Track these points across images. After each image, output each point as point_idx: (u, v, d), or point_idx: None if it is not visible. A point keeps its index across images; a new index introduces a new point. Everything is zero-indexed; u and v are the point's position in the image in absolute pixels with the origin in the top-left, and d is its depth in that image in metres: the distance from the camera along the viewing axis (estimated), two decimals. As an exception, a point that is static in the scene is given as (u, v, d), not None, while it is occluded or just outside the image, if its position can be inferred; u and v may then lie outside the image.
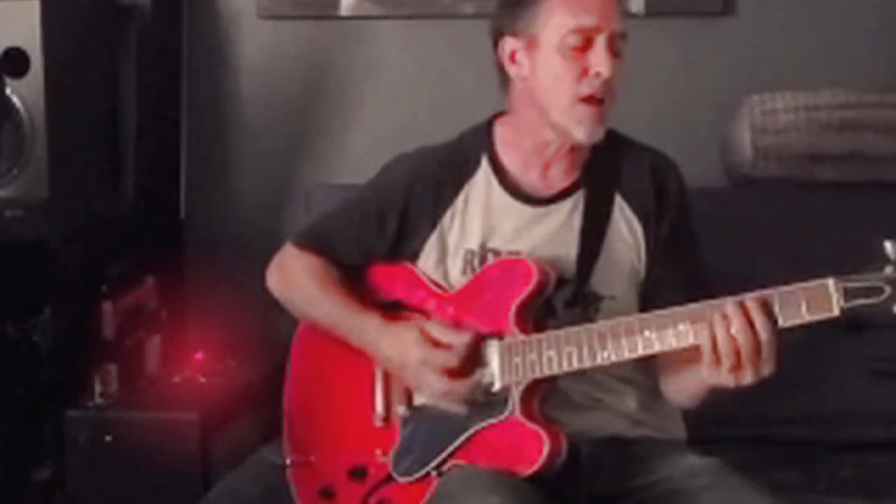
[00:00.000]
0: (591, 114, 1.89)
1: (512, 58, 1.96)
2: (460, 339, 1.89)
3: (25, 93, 2.63)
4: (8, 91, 2.60)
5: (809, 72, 2.88)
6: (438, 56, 3.04)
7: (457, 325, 1.94)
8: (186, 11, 3.12)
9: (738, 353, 1.66)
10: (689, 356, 1.79)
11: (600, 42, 1.87)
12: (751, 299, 1.67)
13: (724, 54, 2.98)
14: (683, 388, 1.89)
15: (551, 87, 1.91)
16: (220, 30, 3.14)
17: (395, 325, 1.97)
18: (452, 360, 1.88)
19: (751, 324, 1.66)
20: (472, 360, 1.88)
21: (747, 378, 1.67)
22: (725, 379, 1.69)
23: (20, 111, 2.64)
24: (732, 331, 1.66)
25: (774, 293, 1.67)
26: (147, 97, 2.99)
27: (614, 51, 1.89)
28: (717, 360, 1.68)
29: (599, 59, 1.87)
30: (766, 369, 1.68)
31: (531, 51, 1.93)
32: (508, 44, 1.96)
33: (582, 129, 1.91)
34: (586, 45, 1.88)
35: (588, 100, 1.89)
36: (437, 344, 1.90)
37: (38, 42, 2.62)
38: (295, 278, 2.12)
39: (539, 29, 1.91)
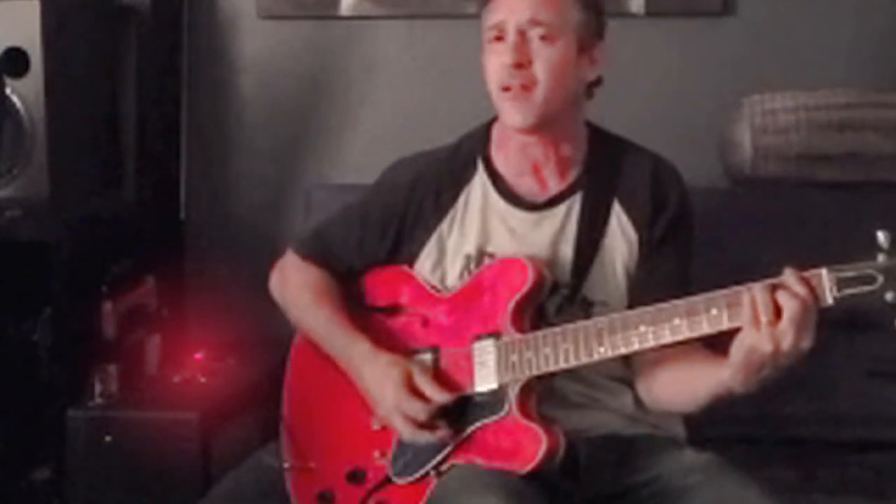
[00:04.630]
0: (507, 98, 1.94)
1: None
2: (439, 397, 1.89)
3: (25, 93, 2.64)
4: (8, 91, 2.60)
5: (809, 72, 2.88)
6: (438, 56, 3.04)
7: (455, 326, 1.95)
8: (186, 11, 3.12)
9: (778, 309, 1.64)
10: (686, 356, 1.81)
11: (509, 32, 1.93)
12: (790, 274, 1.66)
13: (724, 54, 2.98)
14: (688, 389, 1.87)
15: (488, 84, 1.97)
16: (220, 30, 3.14)
17: (381, 356, 1.97)
18: (422, 415, 1.88)
19: (794, 293, 1.64)
20: (441, 411, 1.89)
21: (787, 341, 1.63)
22: (765, 342, 1.64)
23: (20, 111, 2.64)
24: (775, 295, 1.64)
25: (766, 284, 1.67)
26: (147, 97, 3.00)
27: (526, 38, 1.92)
28: (756, 318, 1.65)
29: (505, 49, 1.93)
30: (806, 340, 1.64)
31: (483, 58, 1.99)
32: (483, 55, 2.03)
33: (506, 116, 1.96)
34: (501, 37, 1.94)
35: (506, 89, 1.94)
36: (415, 392, 1.90)
37: (38, 42, 2.63)
38: (292, 289, 2.14)
39: (482, 36, 1.99)
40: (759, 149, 2.64)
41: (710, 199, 2.46)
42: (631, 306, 1.88)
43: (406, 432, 1.90)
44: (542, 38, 1.92)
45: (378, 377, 1.95)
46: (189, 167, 3.15)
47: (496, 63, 1.94)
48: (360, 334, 2.02)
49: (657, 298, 1.78)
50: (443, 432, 1.88)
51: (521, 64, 1.91)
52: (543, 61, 1.92)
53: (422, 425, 1.89)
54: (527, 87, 1.92)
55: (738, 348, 1.68)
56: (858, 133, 2.62)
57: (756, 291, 1.66)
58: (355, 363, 2.00)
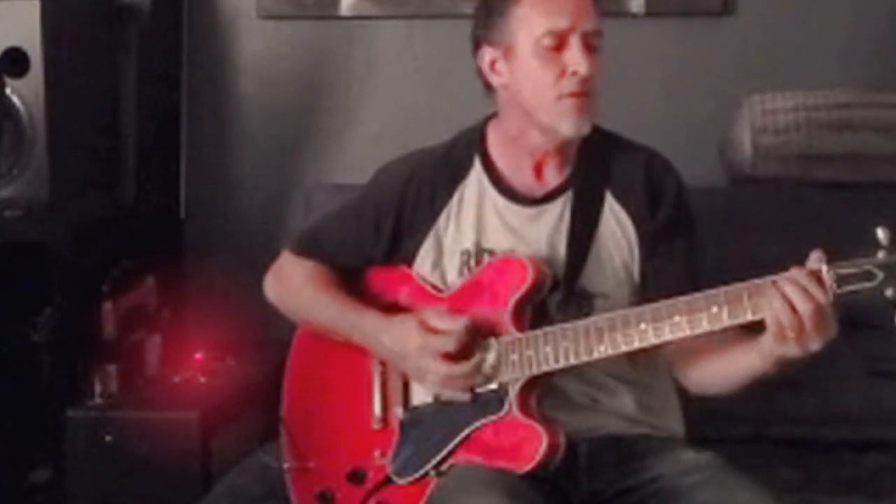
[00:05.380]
0: (574, 106, 1.91)
1: (492, 67, 1.97)
2: (456, 324, 1.89)
3: (25, 93, 2.64)
4: (8, 91, 2.61)
5: (809, 72, 2.88)
6: (438, 56, 3.04)
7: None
8: (186, 11, 3.12)
9: (800, 322, 1.64)
10: (721, 344, 1.81)
11: (574, 42, 1.89)
12: (798, 271, 1.66)
13: (724, 54, 2.98)
14: (721, 375, 1.86)
15: (533, 90, 1.92)
16: (220, 30, 3.14)
17: (393, 319, 1.98)
18: (449, 345, 1.88)
19: (804, 290, 1.64)
20: (470, 345, 1.89)
21: (814, 344, 1.66)
22: (793, 349, 1.66)
23: (20, 111, 2.64)
24: (792, 300, 1.64)
25: (766, 281, 1.68)
26: (147, 97, 3.00)
27: (590, 48, 1.90)
28: (782, 332, 1.66)
29: (576, 59, 1.89)
30: (831, 331, 1.66)
31: (509, 59, 1.94)
32: (487, 53, 1.98)
33: (568, 124, 1.92)
34: (561, 45, 1.89)
35: (569, 95, 1.91)
36: (434, 331, 1.91)
37: (38, 42, 2.63)
38: (293, 284, 2.13)
39: (513, 37, 1.92)
40: (759, 149, 2.65)
41: (710, 198, 2.46)
42: (642, 296, 1.89)
43: (440, 370, 1.89)
44: (594, 49, 1.91)
45: (396, 335, 1.95)
46: (189, 167, 3.14)
47: (556, 70, 1.89)
48: (368, 309, 2.02)
49: (669, 288, 1.80)
50: (476, 360, 1.87)
51: (594, 73, 1.90)
52: (598, 70, 1.91)
53: (454, 358, 1.88)
54: (590, 96, 1.91)
55: (767, 356, 1.71)
56: (858, 133, 2.62)
57: (777, 309, 1.65)
58: (371, 335, 2.00)
